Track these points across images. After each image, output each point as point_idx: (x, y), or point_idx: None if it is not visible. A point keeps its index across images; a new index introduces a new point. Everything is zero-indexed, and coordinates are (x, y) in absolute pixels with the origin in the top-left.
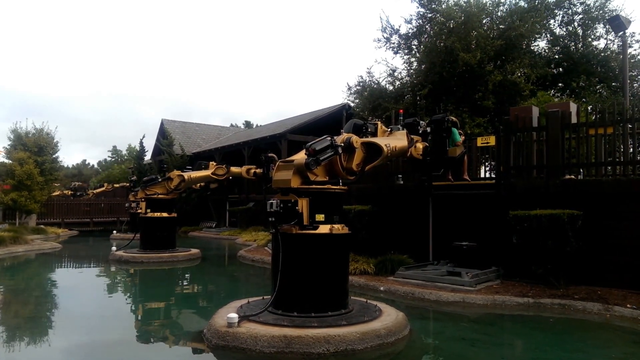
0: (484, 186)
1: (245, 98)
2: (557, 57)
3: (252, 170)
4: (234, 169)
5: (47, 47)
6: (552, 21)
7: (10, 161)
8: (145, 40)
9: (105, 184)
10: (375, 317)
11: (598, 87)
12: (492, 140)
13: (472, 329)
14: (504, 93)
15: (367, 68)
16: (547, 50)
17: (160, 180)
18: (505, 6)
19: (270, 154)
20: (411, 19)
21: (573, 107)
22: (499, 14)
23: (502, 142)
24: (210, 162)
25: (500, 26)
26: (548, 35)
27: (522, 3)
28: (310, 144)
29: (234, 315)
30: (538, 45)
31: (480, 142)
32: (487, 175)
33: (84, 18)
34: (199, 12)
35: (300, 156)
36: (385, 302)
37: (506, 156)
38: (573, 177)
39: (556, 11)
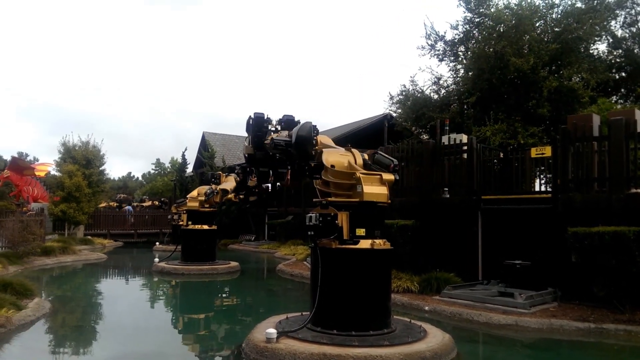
0: (539, 200)
1: (286, 110)
2: (619, 60)
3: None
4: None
5: (83, 65)
6: (613, 22)
7: (60, 174)
8: (180, 56)
9: (147, 200)
10: (419, 338)
11: None
12: (547, 151)
13: (525, 354)
14: (560, 100)
15: (411, 76)
16: (607, 54)
17: (216, 192)
18: (560, 8)
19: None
20: (457, 25)
21: (638, 114)
22: (553, 16)
23: (559, 153)
24: (221, 173)
25: (555, 29)
26: (609, 38)
27: (578, 4)
28: (395, 162)
29: (272, 331)
30: (597, 48)
31: (534, 152)
32: (542, 188)
33: (115, 34)
34: (234, 25)
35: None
36: (430, 323)
37: (564, 168)
38: (639, 191)
39: (617, 12)
